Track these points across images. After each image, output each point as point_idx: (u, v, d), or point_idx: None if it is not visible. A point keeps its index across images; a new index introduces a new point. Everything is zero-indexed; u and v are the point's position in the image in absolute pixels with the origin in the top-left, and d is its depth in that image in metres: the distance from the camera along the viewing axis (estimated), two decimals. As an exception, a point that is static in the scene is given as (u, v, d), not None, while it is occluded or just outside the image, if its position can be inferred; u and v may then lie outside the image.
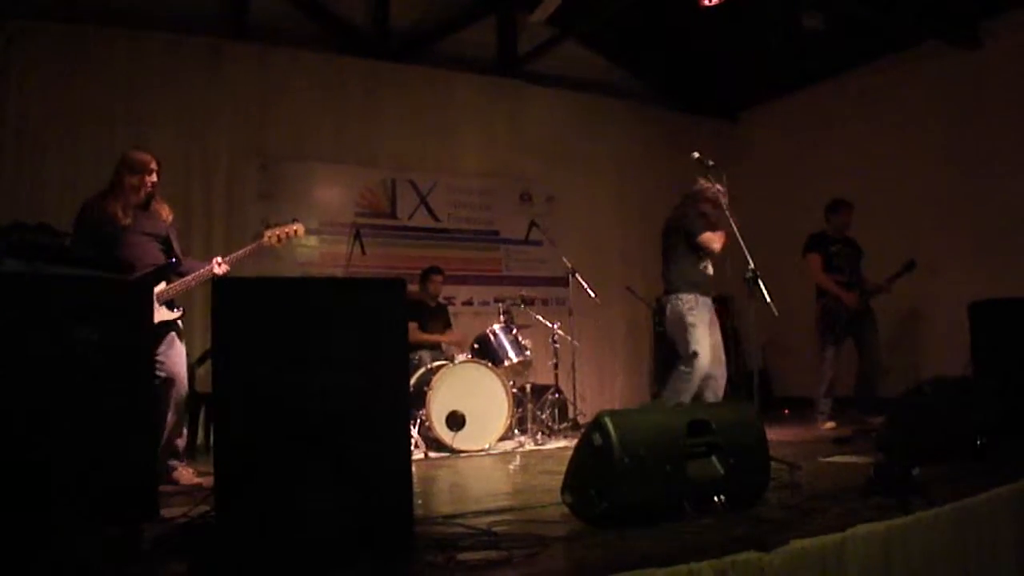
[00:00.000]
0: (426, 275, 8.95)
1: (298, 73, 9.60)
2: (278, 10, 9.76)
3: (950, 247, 9.11)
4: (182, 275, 5.61)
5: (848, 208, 8.31)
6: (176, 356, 5.54)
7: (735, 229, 5.62)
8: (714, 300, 6.84)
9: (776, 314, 5.23)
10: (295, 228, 6.01)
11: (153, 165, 5.68)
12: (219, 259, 5.70)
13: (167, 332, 5.47)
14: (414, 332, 8.20)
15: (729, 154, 10.58)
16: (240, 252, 5.80)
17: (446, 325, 9.03)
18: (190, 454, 6.88)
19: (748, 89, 11.99)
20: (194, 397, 7.47)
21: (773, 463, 4.19)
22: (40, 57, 8.12)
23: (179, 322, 5.64)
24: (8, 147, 7.96)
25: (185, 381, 5.62)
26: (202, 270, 5.63)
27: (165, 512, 3.66)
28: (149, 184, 5.64)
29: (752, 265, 5.39)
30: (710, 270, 6.89)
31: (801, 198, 10.33)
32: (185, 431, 5.80)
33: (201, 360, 7.55)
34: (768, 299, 5.23)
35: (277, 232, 5.93)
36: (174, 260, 5.64)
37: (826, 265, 8.24)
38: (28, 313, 3.10)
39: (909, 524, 3.44)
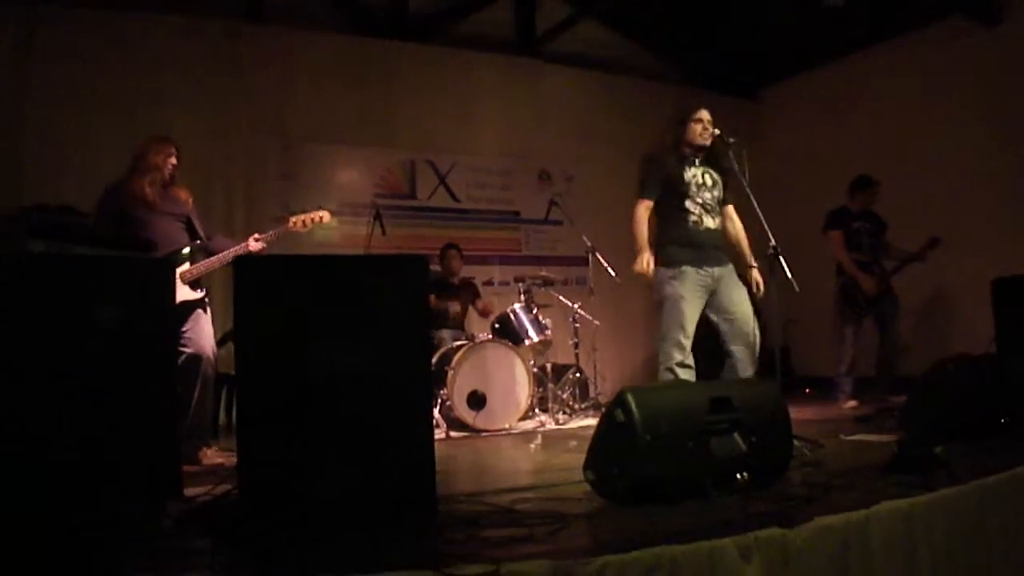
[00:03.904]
0: (443, 252, 9.03)
1: (317, 55, 9.61)
2: (297, -8, 9.78)
3: (974, 223, 9.05)
4: (210, 254, 5.64)
5: (875, 185, 8.24)
6: (202, 331, 5.57)
7: (755, 206, 5.55)
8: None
9: (797, 290, 5.18)
10: (320, 214, 5.99)
11: (172, 148, 5.74)
12: (257, 235, 5.77)
13: (192, 310, 5.50)
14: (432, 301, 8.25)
15: (750, 132, 10.52)
16: (270, 233, 5.82)
17: (475, 297, 9.08)
18: (213, 434, 6.92)
19: (769, 66, 11.92)
20: (216, 377, 7.52)
21: (795, 441, 4.18)
22: (62, 41, 8.15)
23: (205, 300, 5.68)
24: (31, 130, 8.00)
25: (212, 356, 5.64)
26: (235, 248, 5.68)
27: (188, 491, 3.67)
28: (170, 165, 5.69)
29: (773, 242, 5.33)
30: (706, 222, 5.66)
31: (822, 175, 10.28)
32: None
33: (223, 341, 7.57)
34: (789, 275, 5.18)
35: (303, 217, 5.92)
36: (199, 240, 5.69)
37: (847, 243, 8.18)
38: (51, 293, 3.12)
39: (932, 501, 3.43)
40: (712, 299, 5.61)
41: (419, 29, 10.39)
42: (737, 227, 5.93)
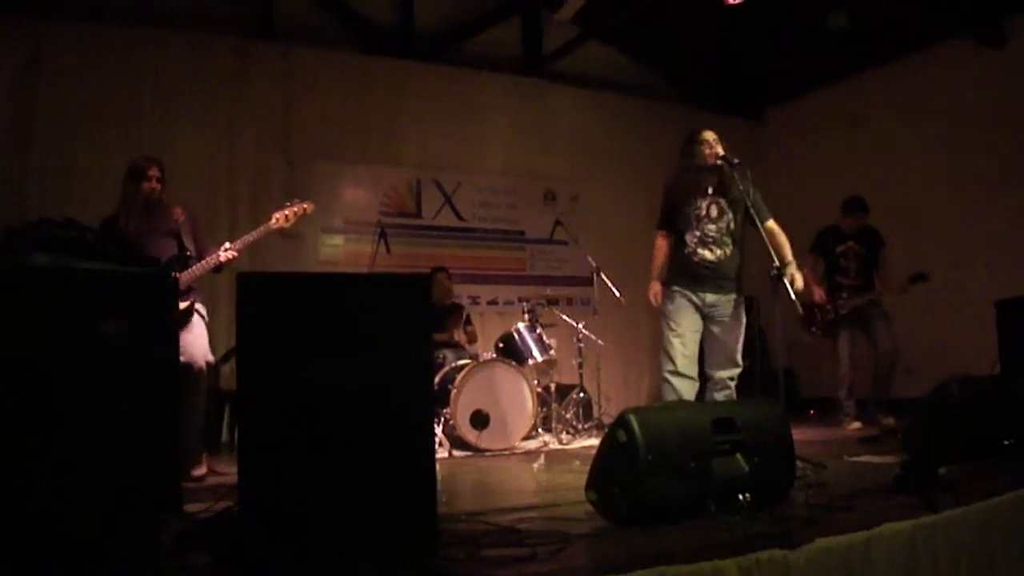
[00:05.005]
0: (431, 275, 8.93)
1: (323, 72, 9.65)
2: (303, 9, 9.83)
3: (977, 244, 9.05)
4: (187, 265, 5.66)
5: (858, 211, 8.15)
6: (191, 341, 5.55)
7: (759, 225, 5.57)
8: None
9: (801, 312, 5.19)
10: (304, 206, 5.95)
11: (152, 172, 5.78)
12: (227, 244, 5.74)
13: (180, 318, 5.49)
14: None
15: (755, 152, 10.61)
16: (248, 236, 5.79)
17: (461, 324, 9.06)
18: (215, 451, 6.94)
19: (774, 87, 11.96)
20: (219, 394, 7.53)
21: (798, 462, 4.17)
22: (68, 56, 8.20)
23: (196, 305, 5.71)
24: (37, 145, 8.04)
25: (203, 363, 5.63)
26: (208, 258, 5.68)
27: (188, 507, 3.67)
28: (148, 189, 5.73)
29: (776, 263, 5.33)
30: (703, 255, 5.71)
31: (826, 196, 10.25)
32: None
33: (226, 358, 7.58)
34: (793, 297, 5.17)
35: (285, 212, 5.88)
36: (188, 253, 5.69)
37: (831, 266, 8.20)
38: (54, 307, 3.12)
39: (936, 523, 3.42)
40: (703, 323, 5.74)
41: (426, 48, 10.43)
42: (777, 240, 5.74)
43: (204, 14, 9.15)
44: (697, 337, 5.74)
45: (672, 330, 5.71)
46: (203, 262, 5.66)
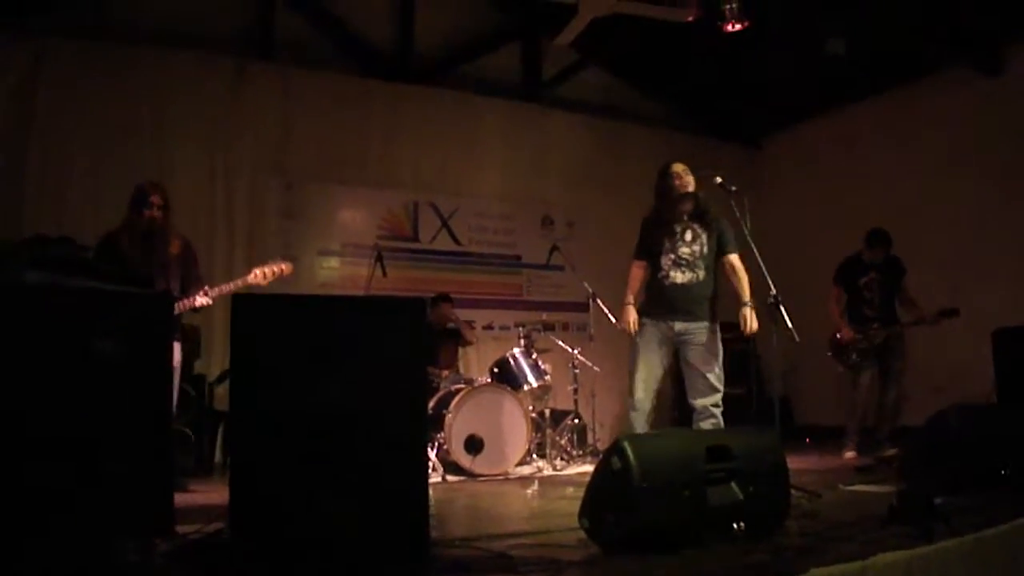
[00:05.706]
0: (434, 302, 8.99)
1: (322, 94, 9.64)
2: (303, 31, 9.83)
3: (976, 272, 9.03)
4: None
5: (882, 244, 8.12)
6: None
7: (756, 253, 5.57)
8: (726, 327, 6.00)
9: (797, 340, 5.18)
10: (282, 267, 6.06)
11: (154, 199, 5.90)
12: (207, 288, 5.87)
13: None
14: None
15: (753, 180, 10.60)
16: (225, 287, 5.91)
17: (457, 346, 9.08)
18: (209, 472, 6.91)
19: (772, 115, 11.96)
20: (213, 415, 7.51)
21: (793, 491, 4.15)
22: (67, 74, 8.20)
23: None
24: (34, 162, 8.02)
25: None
26: (186, 300, 5.79)
27: (179, 529, 3.64)
28: (149, 216, 5.83)
29: (773, 291, 5.34)
30: (674, 277, 5.84)
31: (825, 225, 10.32)
32: None
33: (221, 379, 7.56)
34: (790, 325, 5.17)
35: (264, 270, 5.97)
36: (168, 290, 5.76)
37: (855, 297, 8.15)
38: (48, 325, 3.10)
39: (931, 553, 3.40)
40: (678, 352, 5.92)
41: (425, 71, 10.44)
42: (736, 276, 5.93)
43: (204, 34, 9.14)
44: (659, 372, 5.93)
45: (634, 360, 5.92)
46: (180, 303, 5.76)
